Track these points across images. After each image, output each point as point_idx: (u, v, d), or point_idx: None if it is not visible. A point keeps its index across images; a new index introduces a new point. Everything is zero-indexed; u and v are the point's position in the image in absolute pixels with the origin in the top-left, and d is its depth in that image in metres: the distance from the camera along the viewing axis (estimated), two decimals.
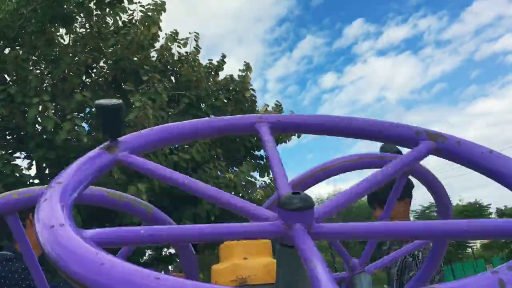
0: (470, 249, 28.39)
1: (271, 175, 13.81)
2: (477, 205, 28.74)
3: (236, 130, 0.91)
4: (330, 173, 1.20)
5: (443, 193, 1.25)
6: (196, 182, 0.79)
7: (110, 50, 11.65)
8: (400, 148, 1.58)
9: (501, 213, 28.59)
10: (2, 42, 10.72)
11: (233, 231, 0.64)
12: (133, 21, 11.66)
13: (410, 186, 2.27)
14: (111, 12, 11.61)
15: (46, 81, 10.50)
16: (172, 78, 12.94)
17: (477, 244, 30.18)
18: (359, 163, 1.21)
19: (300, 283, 0.79)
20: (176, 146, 11.40)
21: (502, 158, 0.76)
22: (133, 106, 9.66)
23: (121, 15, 11.69)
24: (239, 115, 0.95)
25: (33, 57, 11.00)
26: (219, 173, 11.59)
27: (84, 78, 11.85)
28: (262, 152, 14.15)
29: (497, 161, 0.76)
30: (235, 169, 13.51)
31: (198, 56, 13.06)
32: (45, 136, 9.77)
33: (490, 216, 29.65)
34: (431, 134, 0.83)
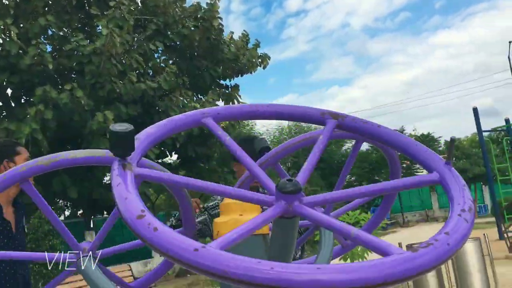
0: None
1: (236, 104, 14.08)
2: (429, 137, 30.16)
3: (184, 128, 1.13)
4: (287, 152, 1.58)
5: (396, 159, 1.63)
6: (207, 183, 1.00)
7: None
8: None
9: (447, 146, 30.21)
10: None
11: (244, 195, 0.95)
12: None
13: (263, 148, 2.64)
14: None
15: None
16: (138, 1, 12.59)
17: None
18: (303, 143, 1.57)
19: (290, 243, 1.17)
20: (143, 73, 11.41)
21: (386, 129, 1.14)
22: (100, 34, 9.53)
23: None
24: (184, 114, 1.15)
25: None
26: (185, 101, 11.76)
27: None
28: (227, 82, 14.32)
29: (383, 131, 1.13)
30: (200, 96, 13.69)
31: None
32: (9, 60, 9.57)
33: (439, 147, 31.33)
34: (333, 114, 1.18)
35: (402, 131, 31.34)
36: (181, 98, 11.61)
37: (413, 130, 33.44)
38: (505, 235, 10.98)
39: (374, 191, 1.03)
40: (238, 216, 1.31)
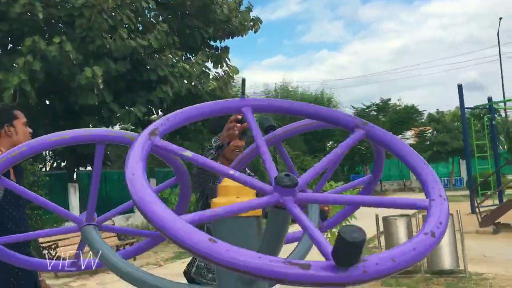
0: None
1: (224, 67, 14.06)
2: (413, 110, 30.50)
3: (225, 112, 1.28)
4: (282, 137, 1.66)
5: (382, 161, 1.76)
6: (214, 163, 1.10)
7: None
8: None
9: (430, 118, 30.69)
10: None
11: (254, 204, 1.10)
12: None
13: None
14: None
15: None
16: None
17: None
18: (300, 129, 1.69)
19: (281, 233, 1.32)
20: (134, 30, 11.29)
21: (403, 144, 1.21)
22: None
23: None
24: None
25: None
26: (174, 61, 11.70)
27: None
28: (218, 43, 14.22)
29: (401, 146, 1.20)
30: (189, 56, 13.61)
31: None
32: None
33: (421, 119, 31.80)
34: (363, 122, 1.23)
35: (387, 101, 31.60)
36: (171, 57, 11.56)
37: (398, 100, 33.74)
38: (477, 209, 11.43)
39: (363, 203, 1.11)
40: (235, 198, 1.40)
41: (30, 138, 2.69)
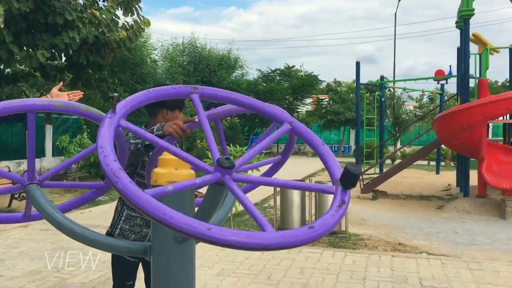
0: (296, 113, 32.15)
1: (135, 16, 13.66)
2: (313, 77, 31.95)
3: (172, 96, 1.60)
4: (227, 114, 1.90)
5: (292, 147, 2.14)
6: (168, 145, 1.46)
7: None
8: None
9: (328, 88, 32.45)
10: None
11: (202, 181, 1.41)
12: None
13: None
14: None
15: None
16: None
17: (303, 110, 34.26)
18: (235, 110, 1.87)
19: (216, 204, 1.62)
20: None
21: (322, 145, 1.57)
22: None
23: None
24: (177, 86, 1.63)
25: None
26: (83, 6, 11.17)
27: None
28: None
29: (321, 147, 1.56)
30: (98, 1, 13.02)
31: None
32: None
33: (320, 87, 33.44)
34: (192, 87, 1.54)
35: (291, 68, 32.67)
36: (80, 1, 11.02)
37: (300, 66, 34.98)
38: (361, 177, 12.70)
39: (285, 185, 1.45)
40: (174, 170, 1.64)
41: None
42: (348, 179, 1.29)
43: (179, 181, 1.42)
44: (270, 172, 2.03)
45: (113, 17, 12.22)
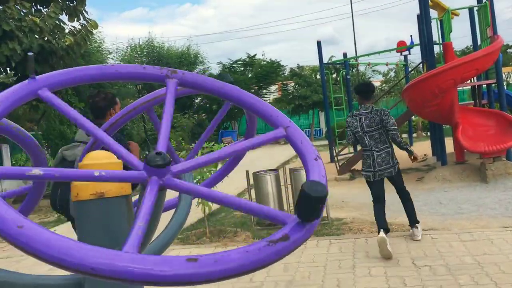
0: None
1: (81, 20, 12.95)
2: (276, 64, 31.59)
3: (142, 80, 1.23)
4: (136, 113, 1.58)
5: (254, 127, 1.75)
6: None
7: None
8: None
9: (293, 73, 32.12)
10: None
11: (115, 176, 0.97)
12: None
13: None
14: None
15: None
16: None
17: (270, 98, 33.90)
18: (153, 102, 1.58)
19: (158, 212, 1.26)
20: None
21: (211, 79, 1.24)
22: None
23: None
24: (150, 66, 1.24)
25: None
26: (22, 13, 10.44)
27: None
28: None
29: (212, 82, 1.23)
30: (39, 7, 12.26)
31: None
32: None
33: (284, 74, 33.14)
34: (171, 71, 1.23)
35: (253, 57, 32.24)
36: (18, 9, 10.27)
37: (262, 55, 34.63)
38: (336, 158, 12.39)
39: (230, 153, 1.13)
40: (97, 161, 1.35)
41: None
42: (306, 206, 0.81)
43: (108, 191, 1.28)
44: (230, 165, 1.88)
45: (57, 22, 11.52)
